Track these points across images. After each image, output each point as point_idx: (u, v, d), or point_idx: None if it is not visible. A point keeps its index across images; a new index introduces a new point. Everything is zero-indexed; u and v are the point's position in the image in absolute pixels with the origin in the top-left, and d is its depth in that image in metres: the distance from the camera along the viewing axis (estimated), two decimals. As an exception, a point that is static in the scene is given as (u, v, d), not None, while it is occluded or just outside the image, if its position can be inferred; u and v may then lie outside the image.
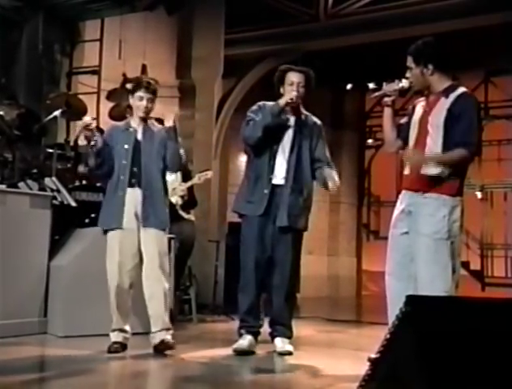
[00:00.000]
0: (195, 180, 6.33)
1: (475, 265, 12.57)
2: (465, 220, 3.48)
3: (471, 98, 3.50)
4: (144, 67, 8.15)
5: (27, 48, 7.36)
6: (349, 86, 11.58)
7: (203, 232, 7.45)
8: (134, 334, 4.35)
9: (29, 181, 5.27)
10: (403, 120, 3.71)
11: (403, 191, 3.59)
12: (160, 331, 4.19)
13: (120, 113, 5.59)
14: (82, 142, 4.22)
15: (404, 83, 3.58)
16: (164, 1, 8.50)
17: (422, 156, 3.44)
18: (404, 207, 3.53)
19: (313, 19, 9.37)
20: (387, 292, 3.54)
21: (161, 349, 4.15)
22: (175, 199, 6.10)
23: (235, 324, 4.79)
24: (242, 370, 4.09)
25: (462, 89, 3.49)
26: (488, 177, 12.57)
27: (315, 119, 4.60)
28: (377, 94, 3.71)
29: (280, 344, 4.40)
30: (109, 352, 4.14)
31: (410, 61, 3.55)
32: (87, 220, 5.42)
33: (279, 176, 4.40)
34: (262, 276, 4.43)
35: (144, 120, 4.32)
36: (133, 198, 4.22)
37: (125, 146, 4.26)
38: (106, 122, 6.23)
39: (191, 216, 6.45)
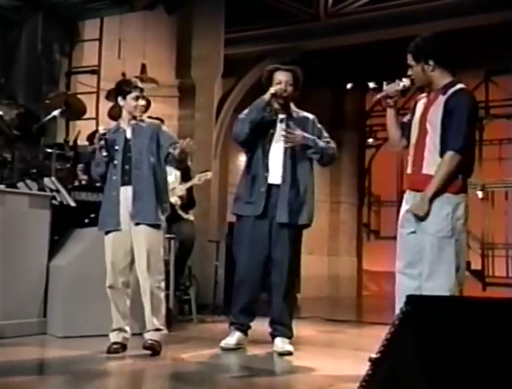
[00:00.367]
0: (195, 180, 6.31)
1: (476, 265, 12.56)
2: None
3: (464, 95, 3.45)
4: (144, 67, 8.15)
5: (26, 47, 7.35)
6: (349, 85, 11.58)
7: (203, 232, 7.44)
8: (132, 334, 4.34)
9: (28, 181, 5.27)
10: (406, 118, 3.69)
11: (407, 191, 3.58)
12: (148, 331, 4.19)
13: (119, 112, 5.57)
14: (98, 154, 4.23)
15: (405, 82, 3.56)
16: (163, 0, 8.48)
17: (423, 199, 3.39)
18: (409, 207, 3.52)
19: (313, 18, 9.37)
20: (397, 290, 3.53)
21: (146, 350, 4.14)
22: (174, 200, 6.08)
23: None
24: (242, 371, 4.09)
25: (459, 86, 3.46)
26: (488, 176, 12.55)
27: (306, 114, 4.61)
28: (378, 96, 3.69)
29: (280, 344, 4.40)
30: (109, 352, 4.14)
31: (410, 59, 3.53)
32: (86, 220, 5.40)
33: (275, 175, 4.42)
34: (260, 276, 4.45)
35: (134, 118, 4.32)
36: (125, 196, 4.23)
37: (116, 147, 4.27)
38: (106, 122, 6.22)
39: (190, 216, 6.44)
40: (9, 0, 7.11)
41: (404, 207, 3.57)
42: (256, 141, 4.44)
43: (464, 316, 2.11)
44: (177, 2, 8.75)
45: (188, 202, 6.37)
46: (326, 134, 4.60)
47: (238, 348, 4.46)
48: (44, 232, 4.98)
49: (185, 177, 6.35)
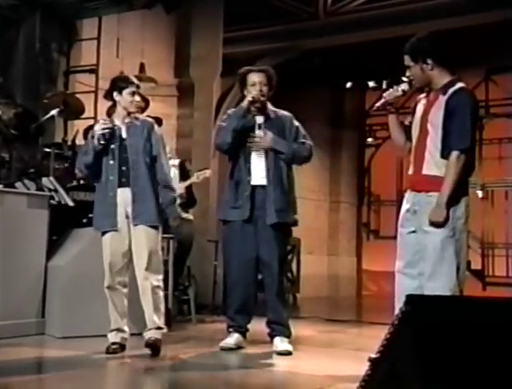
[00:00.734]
0: (194, 179, 6.31)
1: (476, 264, 12.56)
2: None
3: (465, 94, 3.43)
4: (142, 66, 8.13)
5: (24, 46, 7.33)
6: (349, 84, 11.56)
7: (202, 232, 7.43)
8: (131, 335, 4.34)
9: (26, 181, 5.26)
10: (407, 120, 3.67)
11: (408, 191, 3.58)
12: (149, 330, 4.17)
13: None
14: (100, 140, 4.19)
15: (404, 86, 3.54)
16: (162, -1, 8.46)
17: (439, 206, 3.34)
18: (409, 206, 3.51)
19: (312, 17, 9.36)
20: (396, 289, 3.53)
21: (148, 347, 4.13)
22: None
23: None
24: (242, 371, 4.08)
25: (459, 85, 3.44)
26: (488, 175, 12.55)
27: (284, 112, 4.64)
28: (378, 104, 3.67)
29: (279, 343, 4.40)
30: (107, 352, 4.13)
31: (408, 60, 3.50)
32: (84, 220, 5.38)
33: (258, 176, 4.45)
34: (253, 276, 4.49)
35: (128, 114, 4.29)
36: (123, 198, 4.21)
37: (112, 146, 4.23)
38: (104, 121, 6.19)
39: (189, 216, 6.43)
40: (7, -1, 7.10)
41: (405, 206, 3.56)
42: (237, 147, 4.48)
43: (464, 316, 2.11)
44: (176, 1, 8.72)
45: (188, 200, 6.36)
46: (303, 133, 4.63)
47: (237, 348, 4.46)
48: (42, 232, 4.96)
49: (184, 176, 6.34)
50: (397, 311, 3.35)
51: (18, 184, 5.18)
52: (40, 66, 7.38)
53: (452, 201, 3.33)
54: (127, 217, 4.21)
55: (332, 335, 5.91)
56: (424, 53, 3.45)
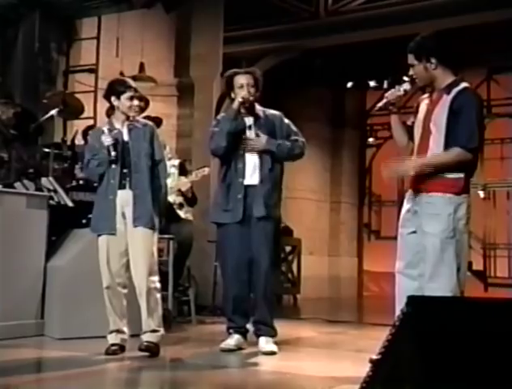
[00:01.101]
0: (192, 177, 6.30)
1: (478, 265, 12.53)
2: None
3: (470, 94, 3.43)
4: (142, 65, 8.12)
5: (23, 46, 7.32)
6: (350, 84, 11.54)
7: (202, 232, 7.40)
8: (130, 336, 4.32)
9: (26, 181, 5.25)
10: (410, 120, 3.66)
11: (409, 191, 3.56)
12: (144, 333, 4.16)
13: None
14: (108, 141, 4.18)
15: (405, 86, 3.54)
16: (161, -2, 8.45)
17: (418, 162, 3.38)
18: (410, 206, 3.51)
19: (313, 16, 9.35)
20: (397, 290, 3.52)
21: (143, 351, 4.10)
22: (172, 198, 6.06)
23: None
24: (242, 372, 4.07)
25: (463, 85, 3.43)
26: (490, 176, 12.51)
27: (272, 111, 4.66)
28: (380, 104, 3.66)
29: (264, 343, 4.42)
30: (107, 354, 4.11)
31: (411, 59, 3.49)
32: (84, 221, 5.36)
33: (251, 177, 4.46)
34: (247, 277, 4.48)
35: (127, 118, 4.27)
36: (123, 199, 4.20)
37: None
38: (104, 121, 6.17)
39: (189, 216, 6.41)
40: (6, -2, 7.09)
41: (405, 206, 3.55)
42: (232, 150, 4.49)
43: (465, 317, 2.10)
44: (176, 1, 8.72)
45: (190, 198, 6.35)
46: (294, 130, 4.64)
47: (238, 349, 4.45)
48: (41, 232, 4.95)
49: (182, 174, 6.33)
50: (397, 312, 3.35)
51: (17, 184, 5.17)
52: (40, 65, 7.36)
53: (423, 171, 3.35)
54: (124, 218, 4.20)
55: (333, 337, 5.90)
56: (429, 52, 3.43)
